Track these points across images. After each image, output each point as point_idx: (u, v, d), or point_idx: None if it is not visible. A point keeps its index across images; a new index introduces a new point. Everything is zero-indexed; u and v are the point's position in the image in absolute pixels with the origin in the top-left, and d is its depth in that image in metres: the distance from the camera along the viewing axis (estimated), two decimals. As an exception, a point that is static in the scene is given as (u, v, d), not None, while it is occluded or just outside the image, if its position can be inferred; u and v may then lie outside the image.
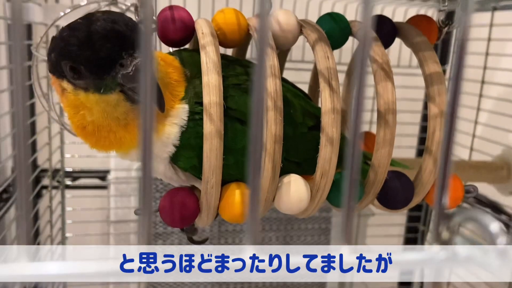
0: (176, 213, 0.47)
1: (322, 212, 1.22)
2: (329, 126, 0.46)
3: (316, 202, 0.49)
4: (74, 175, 1.14)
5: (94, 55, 0.41)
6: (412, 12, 1.17)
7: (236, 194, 0.46)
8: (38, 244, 1.01)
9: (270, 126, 0.44)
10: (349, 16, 0.54)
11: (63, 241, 1.13)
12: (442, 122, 0.48)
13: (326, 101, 0.46)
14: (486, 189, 1.19)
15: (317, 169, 0.47)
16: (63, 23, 0.78)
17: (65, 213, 1.13)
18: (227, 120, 0.45)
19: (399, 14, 1.15)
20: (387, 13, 1.14)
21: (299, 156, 0.50)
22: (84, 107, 0.44)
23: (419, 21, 0.57)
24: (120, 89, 0.43)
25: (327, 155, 0.46)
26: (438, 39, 0.56)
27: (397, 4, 1.13)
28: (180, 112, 0.47)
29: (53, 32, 0.97)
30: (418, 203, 0.53)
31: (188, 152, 0.47)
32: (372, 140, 0.68)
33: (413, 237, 1.30)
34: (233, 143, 0.46)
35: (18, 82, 0.23)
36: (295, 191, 0.47)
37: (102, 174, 1.17)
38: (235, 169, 0.48)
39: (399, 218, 1.29)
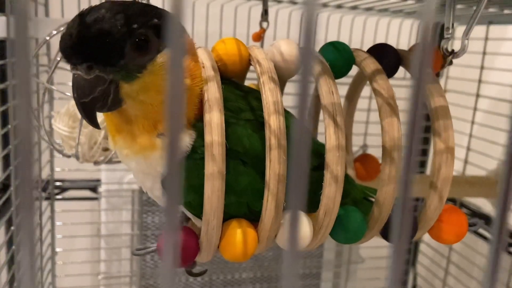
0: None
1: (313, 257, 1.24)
2: (334, 163, 0.44)
3: (319, 238, 0.47)
4: (65, 185, 1.12)
5: None
6: (407, 24, 1.16)
7: (238, 234, 0.45)
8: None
9: (274, 165, 0.43)
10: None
11: (52, 257, 1.11)
12: (448, 158, 0.47)
13: (330, 138, 0.44)
14: (480, 202, 1.20)
15: (321, 207, 0.45)
16: (55, 40, 0.76)
17: (55, 228, 1.11)
18: (230, 159, 0.44)
19: (393, 26, 1.14)
20: (382, 24, 1.13)
21: None
22: None
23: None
24: None
25: (331, 193, 0.44)
26: (442, 67, 0.55)
27: (393, 16, 1.12)
28: (187, 135, 0.44)
29: (44, 49, 0.95)
30: (420, 237, 0.52)
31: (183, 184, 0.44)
32: (372, 165, 0.67)
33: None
34: (235, 183, 0.45)
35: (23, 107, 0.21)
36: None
37: (93, 184, 1.15)
38: (235, 207, 0.46)
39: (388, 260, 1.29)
